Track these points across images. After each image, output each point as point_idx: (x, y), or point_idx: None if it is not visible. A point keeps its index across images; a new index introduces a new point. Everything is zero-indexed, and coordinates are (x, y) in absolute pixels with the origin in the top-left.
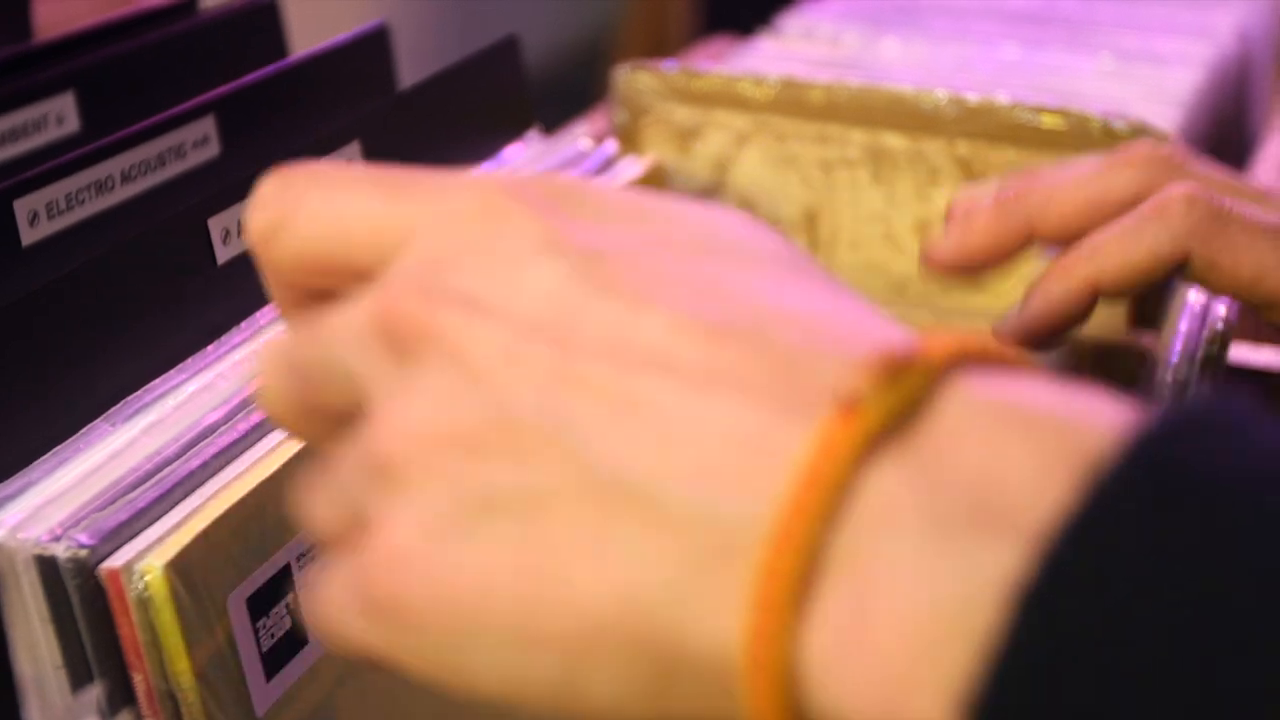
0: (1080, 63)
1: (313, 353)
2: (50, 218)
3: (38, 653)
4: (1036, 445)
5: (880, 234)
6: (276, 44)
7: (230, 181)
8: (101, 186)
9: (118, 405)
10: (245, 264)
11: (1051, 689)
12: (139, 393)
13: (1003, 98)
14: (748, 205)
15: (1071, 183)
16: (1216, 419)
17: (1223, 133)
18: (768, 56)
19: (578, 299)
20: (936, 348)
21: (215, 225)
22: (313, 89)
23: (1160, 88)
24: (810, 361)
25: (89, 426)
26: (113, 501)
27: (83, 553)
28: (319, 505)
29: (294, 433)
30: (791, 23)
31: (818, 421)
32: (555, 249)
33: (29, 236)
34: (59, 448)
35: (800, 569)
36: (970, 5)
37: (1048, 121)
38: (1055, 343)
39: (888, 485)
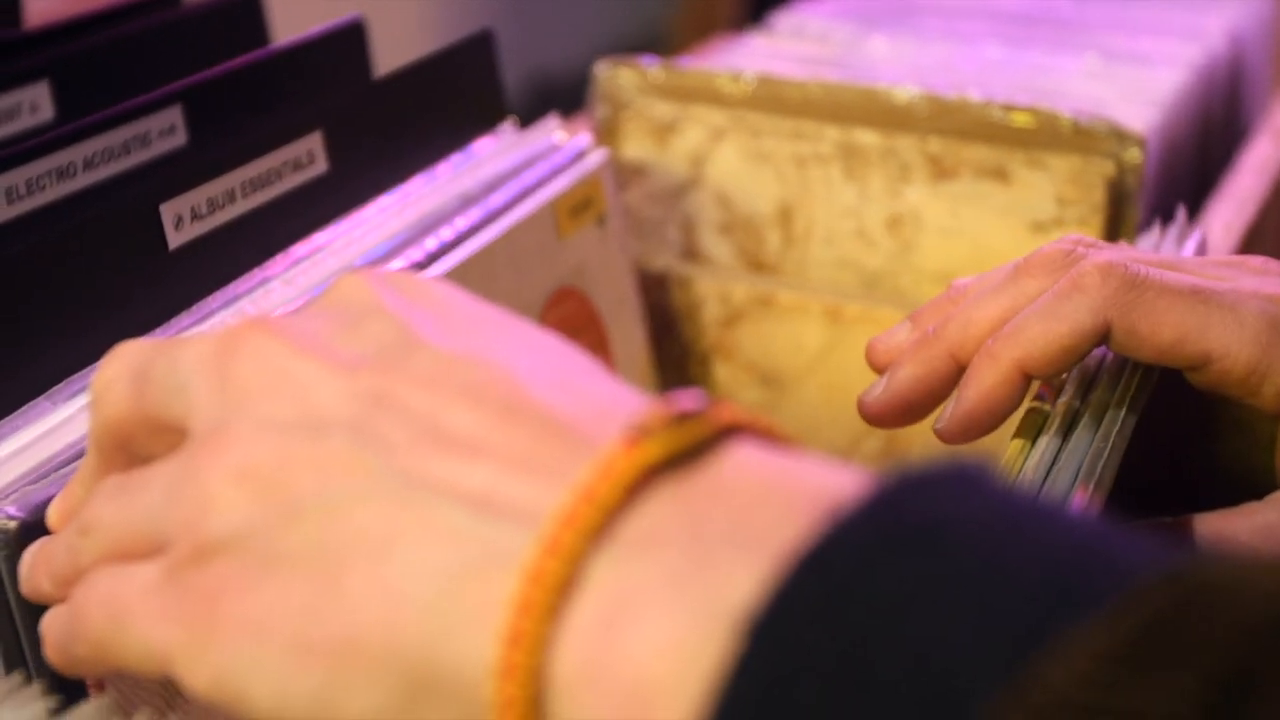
0: (1065, 63)
1: (163, 364)
2: (10, 202)
3: None
4: (787, 498)
5: (853, 230)
6: (258, 37)
7: (186, 168)
8: (63, 173)
9: (60, 384)
10: (196, 250)
11: (776, 712)
12: (82, 372)
13: (975, 95)
14: (723, 200)
15: (983, 303)
16: (944, 480)
17: (1210, 134)
18: (757, 53)
19: (399, 352)
20: (719, 410)
21: (167, 211)
22: (284, 81)
23: (1140, 88)
24: (600, 419)
25: (30, 403)
26: (45, 476)
27: (11, 524)
28: (123, 513)
29: (113, 432)
30: (784, 20)
31: (602, 452)
32: (385, 312)
33: None
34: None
35: (560, 581)
36: (963, 5)
37: (1018, 120)
38: (995, 427)
39: (655, 514)
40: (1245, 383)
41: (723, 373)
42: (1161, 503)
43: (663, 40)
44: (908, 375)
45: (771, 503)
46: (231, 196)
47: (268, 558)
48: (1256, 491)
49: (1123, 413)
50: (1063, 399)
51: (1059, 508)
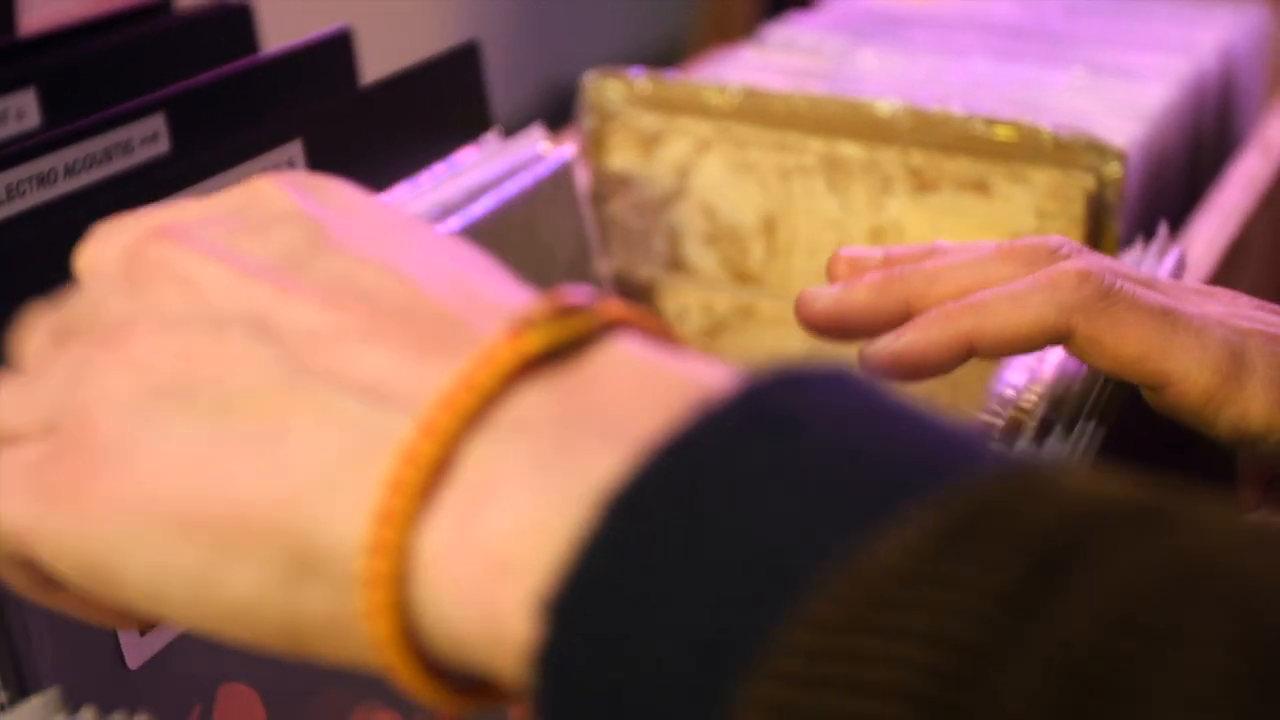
0: (1053, 76)
1: (77, 300)
2: None
3: None
4: (663, 386)
5: (835, 241)
6: (248, 46)
7: (163, 175)
8: (44, 179)
9: None
10: None
11: (623, 581)
12: None
13: (957, 109)
14: (708, 210)
15: (954, 269)
16: (813, 377)
17: (1200, 149)
18: (747, 66)
19: (305, 256)
20: (604, 306)
21: None
22: (269, 89)
23: (1126, 102)
24: (490, 315)
25: None
26: None
27: None
28: (16, 398)
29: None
30: (776, 33)
31: (485, 342)
32: (295, 217)
33: None
34: None
35: (433, 462)
36: (955, 18)
37: (1000, 133)
38: (919, 378)
39: (530, 401)
40: (1201, 410)
41: None
42: None
43: (680, 50)
44: (859, 299)
45: (643, 393)
46: None
47: (154, 435)
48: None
49: (1092, 425)
50: (1039, 411)
51: (919, 410)
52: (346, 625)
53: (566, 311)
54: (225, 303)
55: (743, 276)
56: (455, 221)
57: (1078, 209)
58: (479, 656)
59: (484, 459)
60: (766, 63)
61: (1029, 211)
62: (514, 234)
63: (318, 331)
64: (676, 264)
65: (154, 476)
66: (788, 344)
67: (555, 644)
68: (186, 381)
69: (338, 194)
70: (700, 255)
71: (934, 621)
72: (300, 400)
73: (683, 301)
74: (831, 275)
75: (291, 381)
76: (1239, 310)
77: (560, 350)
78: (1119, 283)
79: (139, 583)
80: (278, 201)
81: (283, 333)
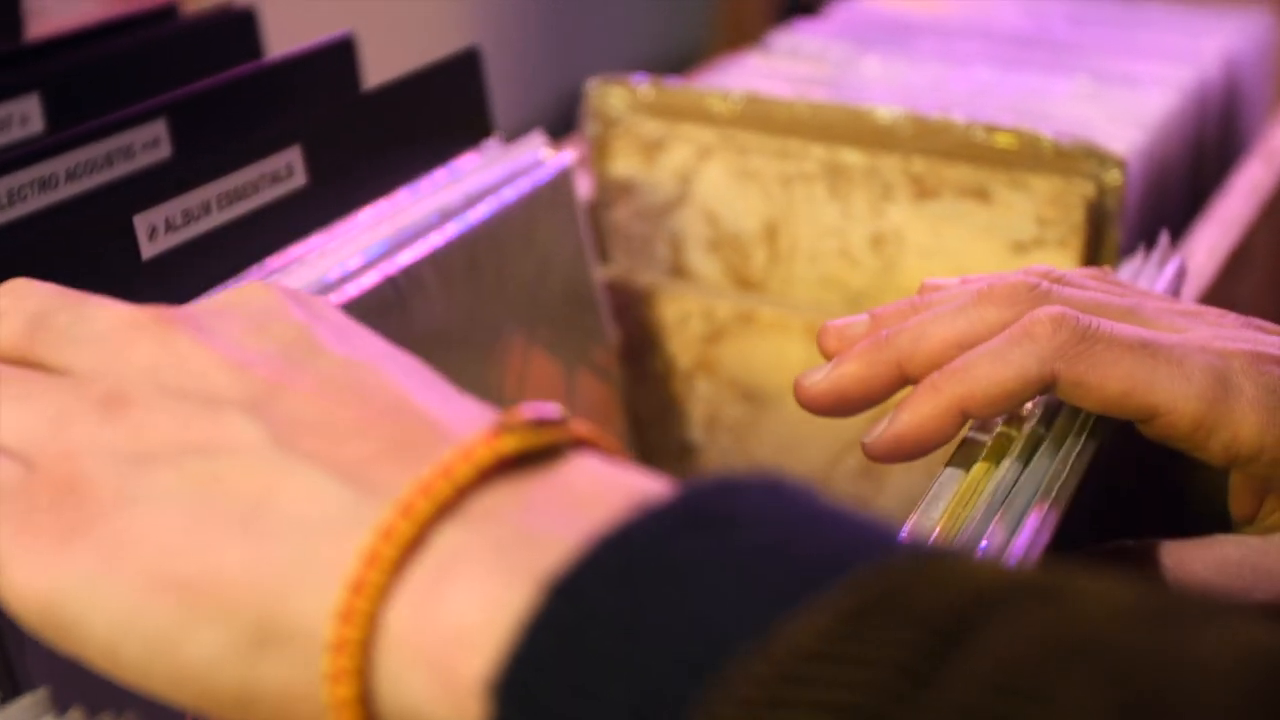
0: (1056, 84)
1: (66, 316)
2: None
3: None
4: (611, 494)
5: (836, 248)
6: (252, 53)
7: (161, 180)
8: (45, 183)
9: None
10: (170, 261)
11: (562, 663)
12: None
13: (958, 116)
14: (710, 217)
15: (938, 323)
16: (746, 484)
17: (1203, 157)
18: (753, 72)
19: (301, 353)
20: (572, 423)
21: (141, 222)
22: (271, 95)
23: (1128, 110)
24: (469, 423)
25: None
26: None
27: None
28: (8, 410)
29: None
30: (781, 40)
31: (466, 440)
32: (290, 317)
33: None
34: None
35: (407, 540)
36: (960, 27)
37: (1000, 141)
38: (923, 454)
39: (499, 495)
40: (1191, 437)
41: (705, 388)
42: (1138, 523)
43: (696, 57)
44: (851, 371)
45: (596, 496)
46: (207, 208)
47: (139, 495)
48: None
49: (1083, 439)
50: (1027, 426)
51: (841, 510)
52: (301, 694)
53: (540, 424)
54: (223, 384)
55: (745, 283)
56: (453, 227)
57: (1078, 216)
58: None
59: (452, 542)
60: (771, 70)
61: (1029, 218)
62: (512, 240)
63: (309, 420)
64: (679, 270)
65: (134, 534)
66: (787, 350)
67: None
68: (178, 448)
69: (323, 307)
70: (703, 262)
71: (841, 694)
72: (286, 477)
73: (684, 307)
74: (822, 350)
75: (279, 459)
76: (1223, 330)
77: (530, 456)
78: (1094, 323)
79: (100, 637)
80: (273, 304)
81: (276, 417)
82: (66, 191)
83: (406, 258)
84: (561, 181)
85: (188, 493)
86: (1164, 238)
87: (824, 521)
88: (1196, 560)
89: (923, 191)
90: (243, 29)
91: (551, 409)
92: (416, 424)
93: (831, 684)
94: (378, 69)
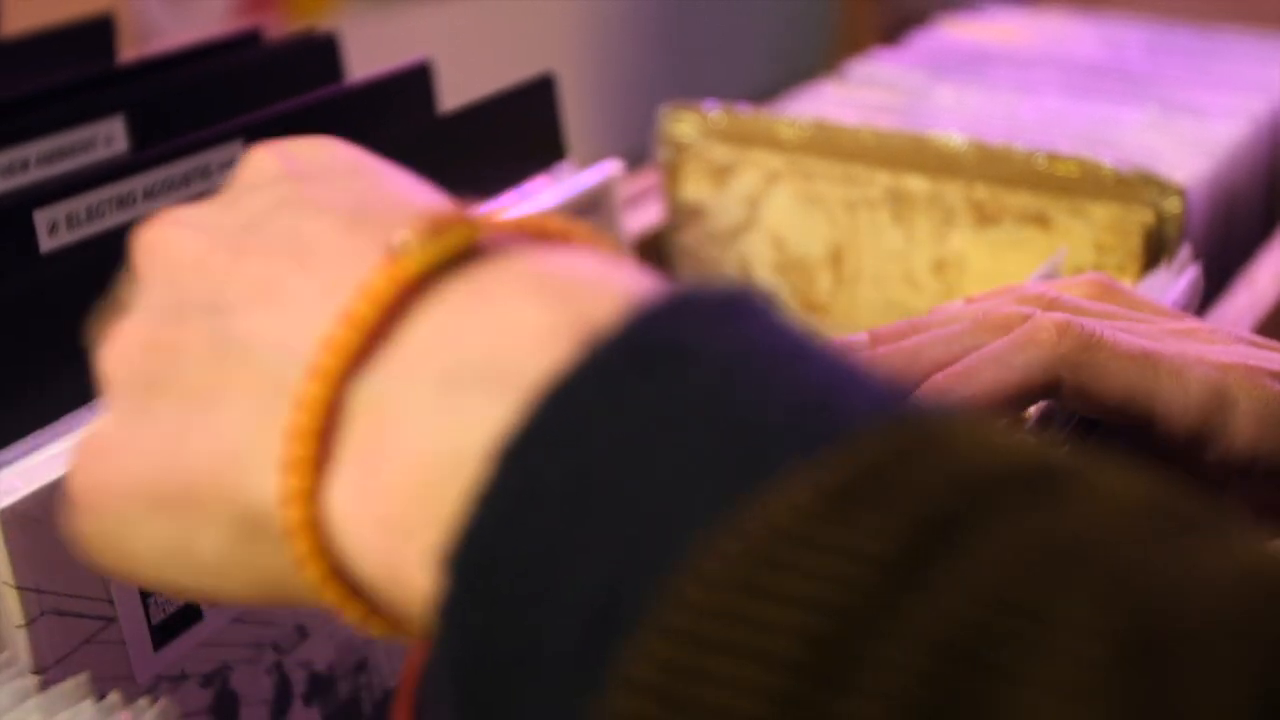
0: (1126, 114)
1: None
2: (70, 228)
3: None
4: (549, 314)
5: (900, 273)
6: (332, 75)
7: None
8: (123, 201)
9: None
10: None
11: (516, 538)
12: None
13: (1020, 144)
14: (777, 241)
15: (933, 346)
16: (712, 305)
17: (1275, 183)
18: (827, 100)
19: (261, 218)
20: (484, 217)
21: None
22: (347, 118)
23: (1194, 139)
24: (377, 219)
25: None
26: None
27: None
28: None
29: None
30: (858, 69)
31: (363, 273)
32: (270, 181)
33: (47, 244)
34: (41, 432)
35: (323, 405)
36: (1036, 56)
37: (1061, 168)
38: None
39: (415, 339)
40: (1186, 448)
41: None
42: None
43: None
44: None
45: (530, 327)
46: None
47: (129, 425)
48: None
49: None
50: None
51: (816, 345)
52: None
53: (441, 228)
54: (192, 282)
55: (810, 306)
56: None
57: (1136, 243)
58: (392, 603)
59: (374, 403)
60: (845, 98)
61: (1088, 245)
62: None
63: (254, 294)
64: None
65: (130, 463)
66: None
67: (453, 599)
68: (153, 370)
69: (315, 152)
70: (770, 284)
71: (817, 587)
72: (231, 369)
73: None
74: None
75: (225, 352)
76: (1217, 345)
77: (444, 269)
78: (1098, 330)
79: (145, 562)
80: (262, 168)
81: (226, 303)
82: (144, 209)
83: None
84: (602, 191)
85: (161, 412)
86: (1186, 248)
87: (797, 362)
88: None
89: (984, 217)
90: (324, 54)
91: (458, 204)
92: (340, 255)
93: (807, 572)
94: (460, 92)
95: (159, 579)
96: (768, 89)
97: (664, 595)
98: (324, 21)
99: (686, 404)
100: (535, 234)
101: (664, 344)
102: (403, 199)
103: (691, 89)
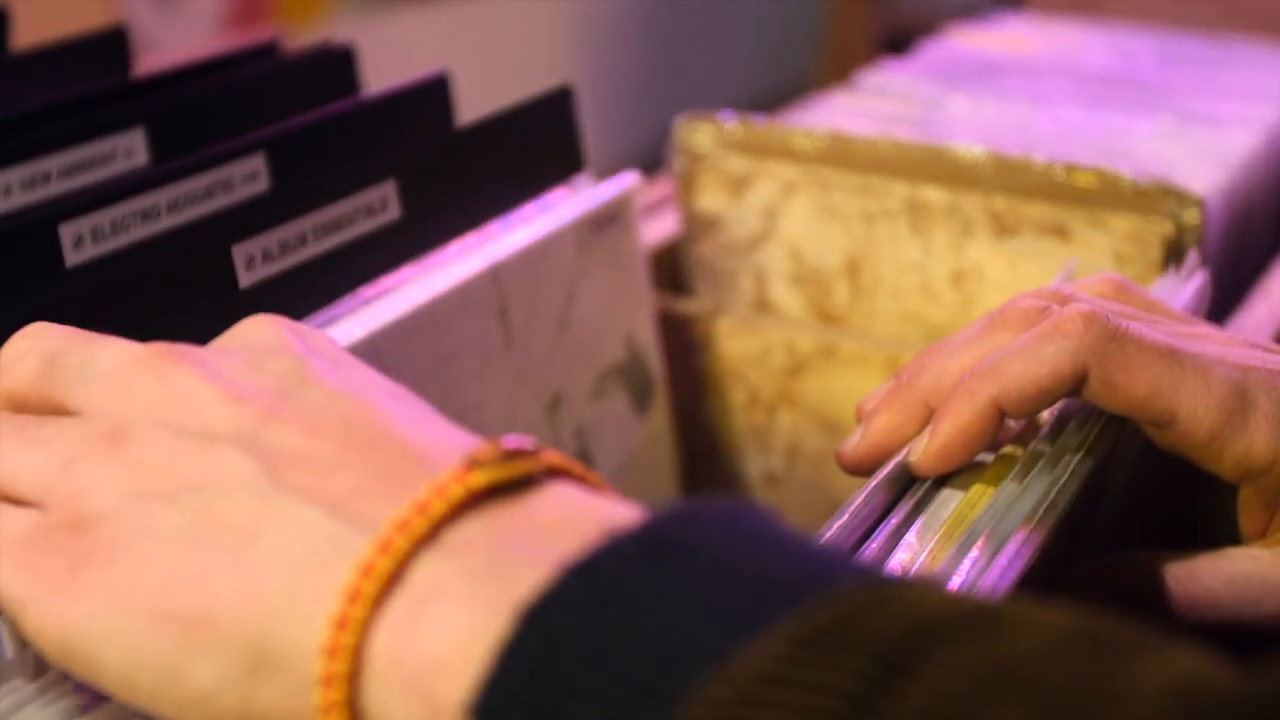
0: (1140, 124)
1: (77, 356)
2: (95, 241)
3: None
4: (581, 522)
5: (918, 284)
6: (349, 88)
7: (260, 211)
8: (147, 215)
9: None
10: (267, 290)
11: (529, 691)
12: None
13: (1039, 155)
14: (793, 252)
15: (955, 355)
16: (710, 512)
17: None
18: (839, 110)
19: (292, 386)
20: (542, 453)
21: (239, 252)
22: (367, 131)
23: (1210, 149)
24: (447, 454)
25: None
26: None
27: None
28: (15, 458)
29: (11, 400)
30: (869, 79)
31: (439, 474)
32: (287, 351)
33: (73, 258)
34: None
35: (386, 576)
36: (1049, 66)
37: (1080, 179)
38: (969, 459)
39: (473, 528)
40: (1207, 447)
41: (786, 419)
42: (1149, 536)
43: (799, 95)
44: (882, 423)
45: (568, 526)
46: (303, 240)
47: (139, 533)
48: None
49: (1078, 457)
50: (1033, 444)
51: (795, 536)
52: (299, 718)
53: (511, 455)
54: (218, 419)
55: (827, 317)
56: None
57: (1155, 254)
58: None
59: (428, 574)
60: (858, 108)
61: (1107, 256)
62: (565, 254)
63: (297, 453)
64: (762, 304)
65: (135, 571)
66: (868, 383)
67: None
68: (174, 484)
69: (322, 340)
70: (786, 296)
71: (789, 716)
72: (274, 510)
73: (767, 340)
74: (859, 421)
75: (268, 492)
76: (1233, 349)
77: (503, 487)
78: (1124, 323)
79: (113, 670)
80: (272, 338)
81: (266, 450)
82: (168, 222)
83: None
84: (620, 202)
85: (181, 529)
86: (1193, 254)
87: (781, 549)
88: (1206, 573)
89: (1003, 229)
90: (341, 67)
91: (525, 440)
92: (397, 456)
93: (784, 707)
94: (478, 105)
95: (130, 695)
96: (761, 96)
97: None
98: (314, 29)
99: (687, 580)
100: (570, 473)
101: (673, 537)
102: (442, 422)
103: (685, 96)
